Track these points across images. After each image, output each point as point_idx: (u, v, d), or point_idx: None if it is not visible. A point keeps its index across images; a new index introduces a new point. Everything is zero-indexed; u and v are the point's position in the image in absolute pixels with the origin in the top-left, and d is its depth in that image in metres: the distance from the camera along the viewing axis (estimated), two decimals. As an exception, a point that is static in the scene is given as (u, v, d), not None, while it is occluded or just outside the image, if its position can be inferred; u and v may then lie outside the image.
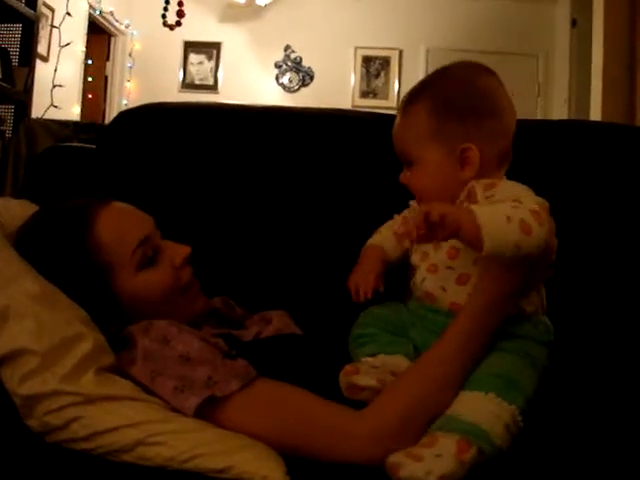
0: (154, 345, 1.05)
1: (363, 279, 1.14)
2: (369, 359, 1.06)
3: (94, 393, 0.97)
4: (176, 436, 0.95)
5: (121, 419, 0.96)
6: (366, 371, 1.02)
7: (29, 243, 1.15)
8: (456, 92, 1.11)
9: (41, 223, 1.19)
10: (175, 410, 0.99)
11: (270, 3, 6.79)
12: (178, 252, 1.20)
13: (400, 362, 1.04)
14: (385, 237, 1.24)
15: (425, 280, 1.11)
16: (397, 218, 1.26)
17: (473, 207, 0.94)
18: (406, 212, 1.25)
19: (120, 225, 1.17)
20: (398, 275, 1.19)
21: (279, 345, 1.18)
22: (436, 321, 1.08)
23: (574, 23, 6.28)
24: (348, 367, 1.04)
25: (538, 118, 6.84)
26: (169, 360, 1.03)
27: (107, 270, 1.14)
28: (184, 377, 1.00)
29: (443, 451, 0.89)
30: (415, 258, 1.15)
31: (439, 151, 1.09)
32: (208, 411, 0.98)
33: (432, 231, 0.91)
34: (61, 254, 1.14)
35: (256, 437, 0.97)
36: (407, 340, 1.09)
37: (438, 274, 1.09)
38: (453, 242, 1.04)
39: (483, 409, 0.94)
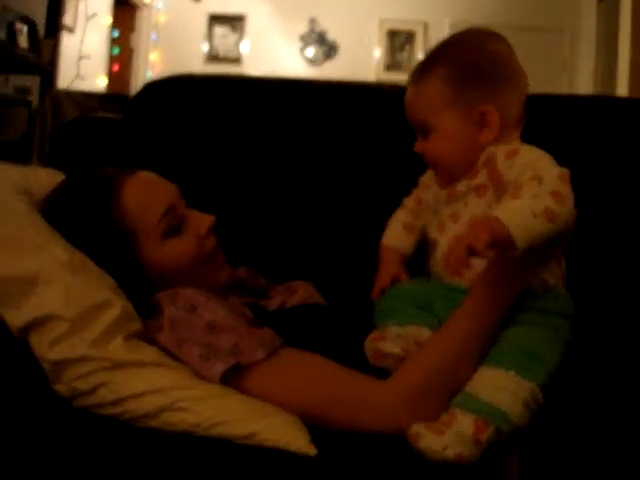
0: (181, 313, 1.06)
1: (378, 284, 1.16)
2: (395, 327, 1.06)
3: (122, 359, 0.98)
4: (201, 402, 0.96)
5: (147, 385, 0.97)
6: (392, 338, 1.03)
7: (56, 211, 1.15)
8: (471, 58, 1.10)
9: (67, 191, 1.20)
10: (201, 377, 0.99)
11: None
12: (203, 221, 1.20)
13: (425, 333, 1.04)
14: (397, 235, 1.23)
15: (438, 244, 1.12)
16: (407, 204, 1.25)
17: (498, 214, 0.92)
18: (415, 191, 1.25)
19: (146, 194, 1.17)
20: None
21: (304, 314, 1.18)
22: (457, 298, 1.07)
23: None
24: (375, 333, 1.06)
25: (564, 93, 6.77)
26: (195, 328, 1.03)
27: (133, 238, 1.14)
28: (210, 345, 1.00)
29: (461, 429, 0.90)
30: (433, 232, 1.15)
31: (456, 116, 1.08)
32: (233, 379, 0.99)
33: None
34: (87, 221, 1.14)
35: (280, 405, 0.98)
36: (432, 314, 1.08)
37: (447, 235, 1.10)
38: (473, 212, 1.06)
39: (502, 388, 0.94)
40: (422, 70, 1.14)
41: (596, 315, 1.32)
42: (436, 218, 1.15)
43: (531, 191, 0.94)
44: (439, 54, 1.15)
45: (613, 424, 1.02)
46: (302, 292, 1.29)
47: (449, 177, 1.12)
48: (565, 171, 0.99)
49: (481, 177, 1.07)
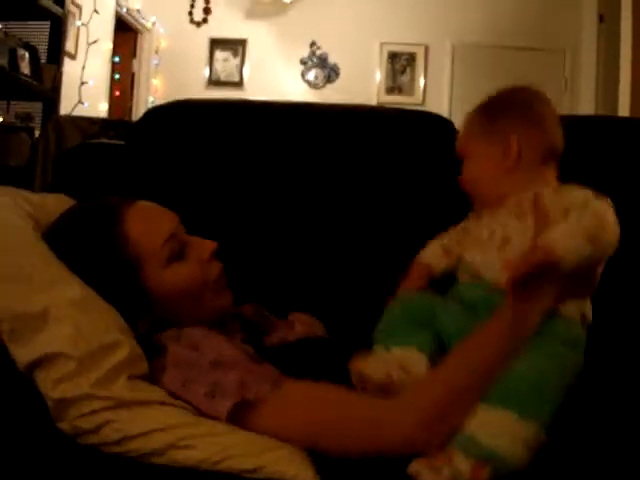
0: (184, 352, 1.06)
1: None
2: (381, 351, 1.06)
3: (125, 398, 0.98)
4: (207, 439, 0.96)
5: (152, 423, 0.96)
6: (375, 364, 1.04)
7: (59, 241, 1.16)
8: (502, 97, 1.24)
9: (70, 221, 1.20)
10: (207, 416, 0.99)
11: (295, 0, 6.77)
12: (205, 247, 1.21)
13: (411, 357, 1.03)
14: (433, 254, 1.26)
15: (473, 260, 1.15)
16: (452, 231, 1.27)
17: (551, 244, 0.96)
18: (463, 222, 1.27)
19: (147, 221, 1.18)
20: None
21: (304, 349, 1.18)
22: (480, 299, 1.09)
23: (601, 19, 6.21)
24: (359, 358, 1.06)
25: (565, 113, 6.75)
26: (200, 366, 1.03)
27: (136, 265, 1.14)
28: (215, 382, 1.00)
29: (459, 471, 0.90)
30: (469, 252, 1.18)
31: (485, 143, 1.19)
32: (240, 416, 0.98)
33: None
34: (90, 251, 1.15)
35: (290, 439, 0.97)
36: (428, 332, 1.08)
37: (487, 253, 1.12)
38: (509, 231, 1.11)
39: (504, 432, 0.93)
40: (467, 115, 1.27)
41: (610, 347, 1.31)
42: (471, 238, 1.20)
43: (576, 217, 1.00)
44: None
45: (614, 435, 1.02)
46: (301, 325, 1.29)
47: (481, 202, 1.20)
48: (607, 203, 1.04)
49: (523, 203, 1.12)
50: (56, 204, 1.30)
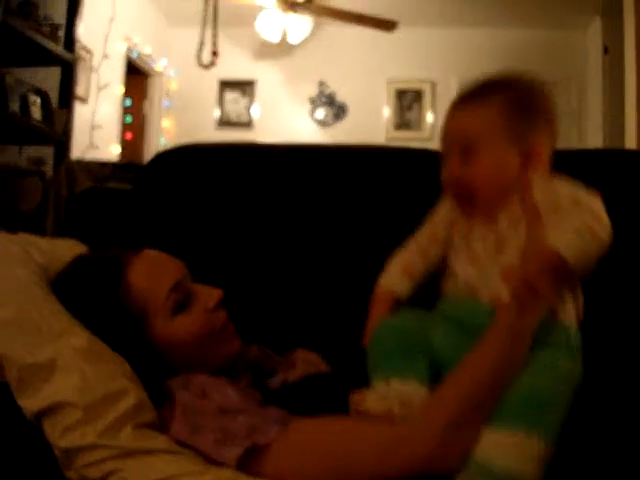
0: (192, 399, 1.06)
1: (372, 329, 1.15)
2: (380, 387, 1.03)
3: (131, 447, 0.98)
4: None
5: (157, 473, 0.96)
6: (374, 398, 1.02)
7: (65, 293, 1.17)
8: (529, 94, 1.12)
9: (74, 274, 1.21)
10: (215, 463, 0.98)
11: (303, 39, 6.85)
12: (211, 296, 1.21)
13: (412, 391, 1.01)
14: (394, 278, 1.20)
15: (465, 273, 1.10)
16: (415, 244, 1.21)
17: (550, 243, 0.96)
18: (429, 228, 1.21)
19: (152, 272, 1.19)
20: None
21: (306, 387, 1.18)
22: (474, 317, 1.06)
23: (606, 50, 6.25)
24: (357, 395, 1.04)
25: (573, 145, 6.75)
26: (208, 413, 1.03)
27: (142, 316, 1.15)
28: (224, 429, 1.00)
29: None
30: (461, 264, 1.12)
31: (507, 147, 1.08)
32: (251, 461, 0.97)
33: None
34: (96, 303, 1.16)
35: (307, 477, 0.97)
36: (423, 357, 1.05)
37: (480, 267, 1.08)
38: (497, 235, 1.08)
39: (512, 450, 0.92)
40: (477, 93, 1.13)
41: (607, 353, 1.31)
42: (462, 251, 1.13)
43: (573, 213, 0.99)
44: (500, 80, 1.15)
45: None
46: (301, 364, 1.28)
47: (481, 204, 1.10)
48: (596, 196, 1.03)
49: (515, 207, 1.08)
50: (66, 249, 1.32)
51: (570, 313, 1.07)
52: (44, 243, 1.32)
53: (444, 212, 1.19)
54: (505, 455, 0.91)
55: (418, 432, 0.95)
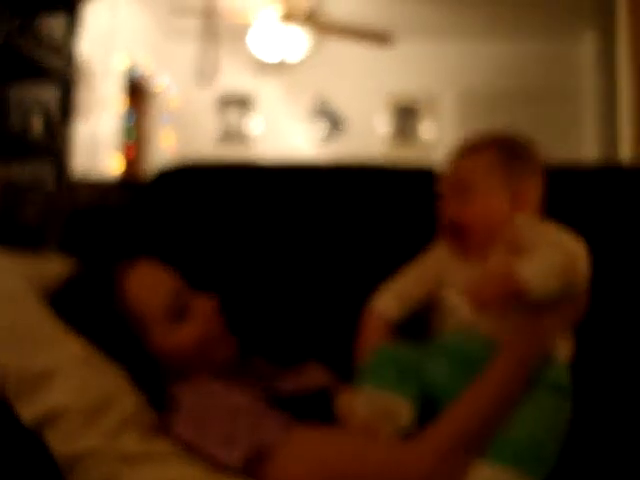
0: (197, 401, 1.07)
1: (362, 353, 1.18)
2: (369, 391, 1.06)
3: (134, 451, 0.98)
4: None
5: (160, 477, 0.96)
6: (362, 401, 1.05)
7: (63, 305, 1.17)
8: (519, 147, 1.23)
9: (71, 288, 1.22)
10: (221, 465, 0.98)
11: (302, 57, 6.88)
12: (208, 303, 1.23)
13: (398, 404, 1.03)
14: (385, 304, 1.24)
15: (458, 307, 1.14)
16: (412, 272, 1.26)
17: (517, 269, 1.01)
18: (427, 260, 1.26)
19: (149, 282, 1.20)
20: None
21: (314, 399, 1.18)
22: (467, 347, 1.10)
23: (600, 61, 6.30)
24: (345, 392, 1.08)
25: (568, 155, 6.76)
26: (213, 415, 1.03)
27: (139, 328, 1.16)
28: (229, 431, 1.00)
29: None
30: (453, 298, 1.17)
31: (499, 191, 1.18)
32: (255, 464, 0.98)
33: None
34: (93, 317, 1.16)
35: None
36: (412, 382, 1.08)
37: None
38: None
39: None
40: (479, 143, 1.24)
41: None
42: (456, 288, 1.16)
43: (548, 249, 1.04)
44: (496, 137, 1.26)
45: None
46: (313, 376, 1.28)
47: (475, 242, 1.17)
48: (584, 248, 1.06)
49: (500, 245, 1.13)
50: (57, 265, 1.32)
51: (562, 352, 1.11)
52: (36, 259, 1.33)
53: (439, 250, 1.25)
54: None
55: (421, 452, 0.96)
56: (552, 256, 1.02)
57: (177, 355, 1.17)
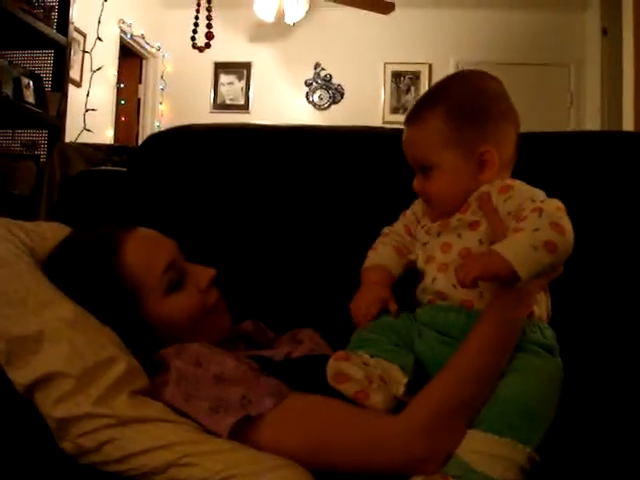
0: (187, 367, 1.06)
1: (366, 307, 1.13)
2: (365, 355, 1.02)
3: (127, 415, 0.98)
4: (209, 457, 0.94)
5: (153, 441, 0.96)
6: (357, 363, 1.01)
7: (58, 270, 1.16)
8: (469, 97, 1.13)
9: (68, 251, 1.20)
10: (209, 431, 0.98)
11: (299, 21, 6.81)
12: (204, 275, 1.22)
13: (394, 372, 1.00)
14: (386, 255, 1.21)
15: (436, 280, 1.10)
16: (395, 232, 1.24)
17: (497, 249, 0.96)
18: (402, 222, 1.25)
19: (146, 250, 1.19)
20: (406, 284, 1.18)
21: (310, 365, 1.16)
22: (447, 320, 1.07)
23: (604, 32, 6.22)
24: (340, 352, 1.03)
25: (571, 128, 6.77)
26: (202, 381, 1.03)
27: (135, 295, 1.15)
28: (218, 398, 1.00)
29: None
30: (421, 263, 1.15)
31: (458, 155, 1.11)
32: (243, 431, 0.97)
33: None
34: (89, 281, 1.15)
35: (293, 454, 0.96)
36: (409, 353, 1.06)
37: (449, 273, 1.08)
38: (465, 244, 1.09)
39: (497, 456, 0.92)
40: (420, 110, 1.16)
41: (582, 347, 1.29)
42: (423, 250, 1.15)
43: (532, 224, 0.97)
44: (436, 94, 1.18)
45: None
46: (308, 342, 1.28)
47: (443, 212, 1.14)
48: (560, 204, 1.01)
49: (472, 212, 1.09)
50: (52, 232, 1.30)
51: (542, 310, 1.09)
52: (29, 225, 1.31)
53: (418, 209, 1.23)
54: (488, 460, 0.92)
55: (405, 426, 0.96)
56: (539, 234, 0.95)
57: (171, 324, 1.17)
